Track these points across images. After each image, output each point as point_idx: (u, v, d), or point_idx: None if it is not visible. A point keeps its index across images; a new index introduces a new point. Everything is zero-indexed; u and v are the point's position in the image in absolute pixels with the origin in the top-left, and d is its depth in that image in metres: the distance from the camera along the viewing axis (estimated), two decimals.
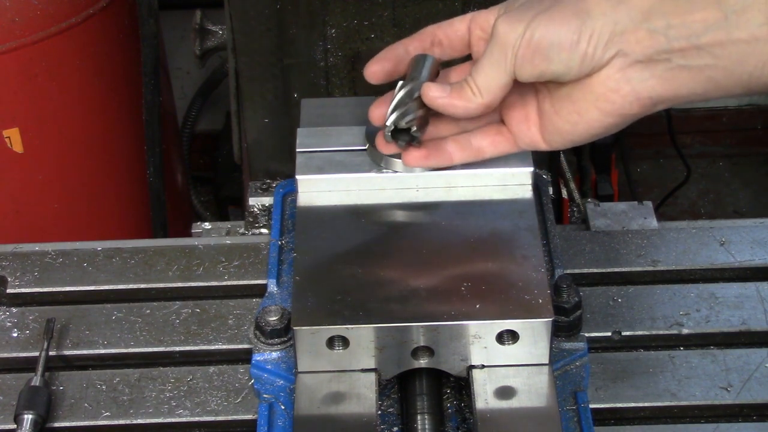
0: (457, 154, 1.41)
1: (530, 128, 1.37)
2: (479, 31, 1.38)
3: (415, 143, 1.39)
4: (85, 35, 2.44)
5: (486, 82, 1.31)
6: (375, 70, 1.41)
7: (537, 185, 1.56)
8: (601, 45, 1.24)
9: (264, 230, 1.80)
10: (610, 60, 1.25)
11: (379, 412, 1.33)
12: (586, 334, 1.43)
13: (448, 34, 1.40)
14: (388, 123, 1.37)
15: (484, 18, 1.37)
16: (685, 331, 1.48)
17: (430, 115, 1.38)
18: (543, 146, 1.37)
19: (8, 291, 1.55)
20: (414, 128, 1.37)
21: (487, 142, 1.40)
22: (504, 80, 1.30)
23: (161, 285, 1.56)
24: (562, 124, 1.32)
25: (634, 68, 1.25)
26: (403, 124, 1.37)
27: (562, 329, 1.41)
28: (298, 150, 1.51)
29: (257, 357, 1.41)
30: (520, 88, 1.35)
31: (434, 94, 1.34)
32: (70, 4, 2.40)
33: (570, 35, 1.24)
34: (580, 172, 2.89)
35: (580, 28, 1.23)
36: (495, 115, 1.40)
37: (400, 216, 1.46)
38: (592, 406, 1.37)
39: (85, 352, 1.48)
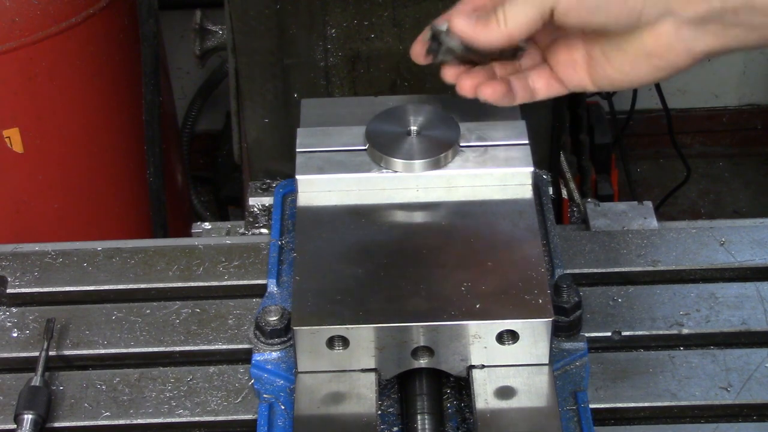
0: (520, 94, 1.38)
1: (577, 72, 1.36)
2: None
3: (440, 56, 1.37)
4: (85, 35, 2.44)
5: (515, 17, 1.28)
6: (421, 51, 1.38)
7: (537, 185, 1.56)
8: (650, 2, 1.23)
9: (264, 230, 1.80)
10: (660, 18, 1.24)
11: (379, 412, 1.33)
12: (586, 334, 1.43)
13: None
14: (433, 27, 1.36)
15: None
16: (685, 331, 1.48)
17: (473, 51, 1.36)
18: (591, 88, 1.36)
19: (8, 291, 1.55)
20: (446, 45, 1.35)
21: (541, 84, 1.38)
22: (534, 18, 1.27)
23: (161, 285, 1.56)
24: (613, 73, 1.32)
25: (687, 27, 1.24)
26: (437, 27, 1.35)
27: (562, 329, 1.41)
28: (298, 150, 1.51)
29: (257, 357, 1.41)
30: (565, 34, 1.35)
31: (460, 26, 1.31)
32: (70, 4, 2.40)
33: None
34: (580, 172, 2.89)
35: None
36: (539, 56, 1.39)
37: (400, 216, 1.46)
38: (592, 406, 1.37)
39: (85, 352, 1.48)
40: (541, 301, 1.32)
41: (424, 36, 1.39)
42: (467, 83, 1.37)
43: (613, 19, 1.26)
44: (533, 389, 1.33)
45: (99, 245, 1.62)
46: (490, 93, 1.36)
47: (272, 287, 1.50)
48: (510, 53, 1.39)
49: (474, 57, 1.38)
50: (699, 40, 1.25)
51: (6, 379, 1.46)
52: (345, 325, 1.31)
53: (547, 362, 1.35)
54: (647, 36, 1.26)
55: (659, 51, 1.27)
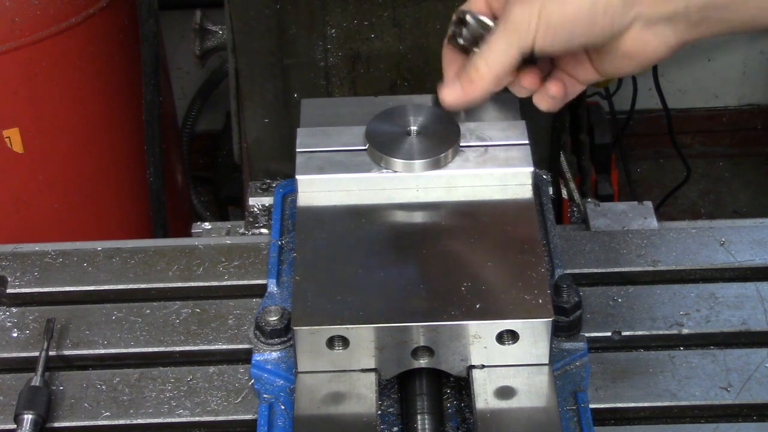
0: (560, 94, 1.43)
1: (586, 68, 1.40)
2: (496, 3, 1.40)
3: (461, 39, 1.41)
4: (85, 35, 2.44)
5: (497, 61, 1.35)
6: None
7: (537, 185, 1.56)
8: (617, 15, 1.28)
9: (264, 230, 1.80)
10: (631, 23, 1.29)
11: (379, 412, 1.33)
12: (586, 334, 1.43)
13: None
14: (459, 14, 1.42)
15: None
16: (685, 331, 1.48)
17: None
18: (600, 78, 1.42)
19: (8, 291, 1.55)
20: (469, 27, 1.40)
21: (569, 83, 1.43)
22: (515, 56, 1.34)
23: (161, 285, 1.56)
24: (609, 69, 1.38)
25: (657, 26, 1.29)
26: (468, 18, 1.40)
27: (562, 329, 1.41)
28: (298, 150, 1.51)
29: (257, 357, 1.41)
30: None
31: (449, 98, 1.40)
32: (70, 4, 2.40)
33: (585, 15, 1.28)
34: (580, 172, 2.89)
35: (593, 4, 1.27)
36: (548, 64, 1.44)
37: (400, 216, 1.46)
38: (592, 406, 1.37)
39: (85, 352, 1.48)
40: (541, 301, 1.32)
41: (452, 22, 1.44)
42: (527, 79, 1.41)
43: (586, 39, 1.32)
44: (533, 389, 1.33)
45: (99, 245, 1.62)
46: (556, 90, 1.41)
47: (272, 287, 1.50)
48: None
49: None
50: (670, 35, 1.30)
51: (6, 379, 1.46)
52: (345, 325, 1.31)
53: (547, 362, 1.35)
54: (623, 41, 1.31)
55: (637, 51, 1.32)
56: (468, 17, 1.41)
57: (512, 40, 1.32)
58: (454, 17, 1.43)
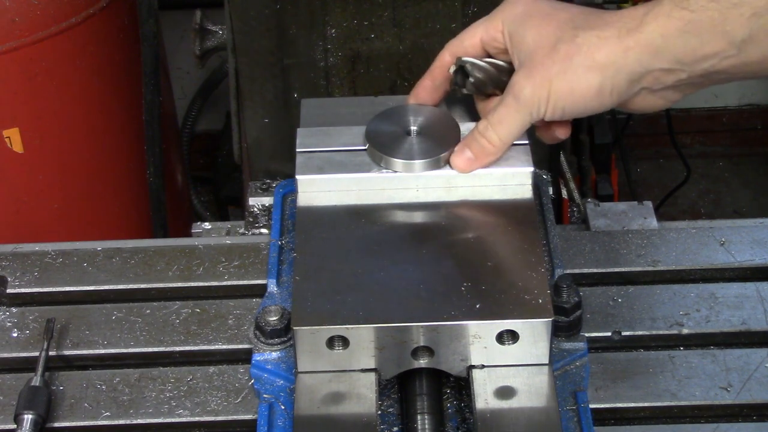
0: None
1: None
2: (495, 44, 1.44)
3: (465, 89, 1.45)
4: (85, 35, 2.44)
5: (508, 134, 1.42)
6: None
7: (537, 185, 1.56)
8: (623, 92, 1.34)
9: (264, 230, 1.80)
10: (636, 93, 1.34)
11: (379, 412, 1.33)
12: (586, 334, 1.43)
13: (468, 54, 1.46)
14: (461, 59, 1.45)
15: (493, 28, 1.43)
16: (685, 331, 1.48)
17: (495, 82, 1.45)
18: None
19: (8, 291, 1.55)
20: (473, 77, 1.44)
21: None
22: (526, 123, 1.40)
23: (161, 285, 1.56)
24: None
25: (662, 91, 1.35)
26: (468, 67, 1.43)
27: (562, 329, 1.41)
28: (298, 150, 1.51)
29: (257, 357, 1.41)
30: None
31: (462, 166, 1.45)
32: (70, 4, 2.40)
33: (593, 96, 1.34)
34: (580, 172, 2.89)
35: (600, 85, 1.33)
36: None
37: (400, 216, 1.46)
38: (592, 406, 1.37)
39: (85, 352, 1.48)
40: (541, 301, 1.32)
41: (434, 73, 1.49)
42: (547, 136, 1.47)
43: (594, 111, 1.37)
44: (533, 389, 1.33)
45: (99, 245, 1.62)
46: (562, 133, 1.45)
47: (272, 287, 1.50)
48: None
49: (497, 90, 1.45)
50: (675, 95, 1.37)
51: (6, 379, 1.46)
52: (345, 325, 1.31)
53: (547, 362, 1.35)
54: (630, 103, 1.37)
55: (642, 108, 1.38)
56: (468, 67, 1.44)
57: (523, 116, 1.39)
58: (453, 66, 1.46)
